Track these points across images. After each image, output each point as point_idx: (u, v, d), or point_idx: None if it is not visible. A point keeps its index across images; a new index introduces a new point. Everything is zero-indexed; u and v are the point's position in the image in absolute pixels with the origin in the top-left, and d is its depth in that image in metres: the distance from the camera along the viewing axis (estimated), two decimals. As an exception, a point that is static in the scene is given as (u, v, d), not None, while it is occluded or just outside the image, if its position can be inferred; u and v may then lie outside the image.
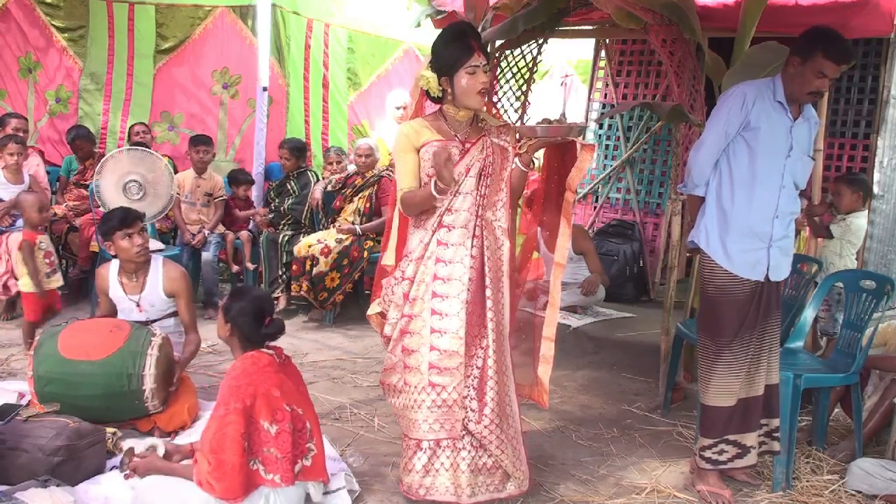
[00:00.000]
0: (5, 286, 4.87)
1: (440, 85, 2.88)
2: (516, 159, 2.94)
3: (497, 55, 4.67)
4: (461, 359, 2.84)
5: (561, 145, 3.04)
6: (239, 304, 2.82)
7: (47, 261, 4.42)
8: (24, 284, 4.37)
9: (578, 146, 2.97)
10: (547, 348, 2.97)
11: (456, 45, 2.84)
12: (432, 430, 2.86)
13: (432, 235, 2.90)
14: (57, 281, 4.49)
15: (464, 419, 2.86)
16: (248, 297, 2.85)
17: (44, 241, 4.45)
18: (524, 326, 3.20)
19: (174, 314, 3.80)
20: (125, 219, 3.60)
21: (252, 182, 6.27)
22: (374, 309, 3.14)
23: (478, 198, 2.90)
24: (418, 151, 2.90)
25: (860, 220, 4.29)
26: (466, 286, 2.86)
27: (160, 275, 3.72)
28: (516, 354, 3.06)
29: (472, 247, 2.89)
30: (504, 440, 2.90)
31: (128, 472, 2.87)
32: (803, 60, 2.98)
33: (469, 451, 2.89)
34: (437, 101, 2.96)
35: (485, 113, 3.01)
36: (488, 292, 2.90)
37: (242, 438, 2.61)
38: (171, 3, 6.77)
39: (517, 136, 2.98)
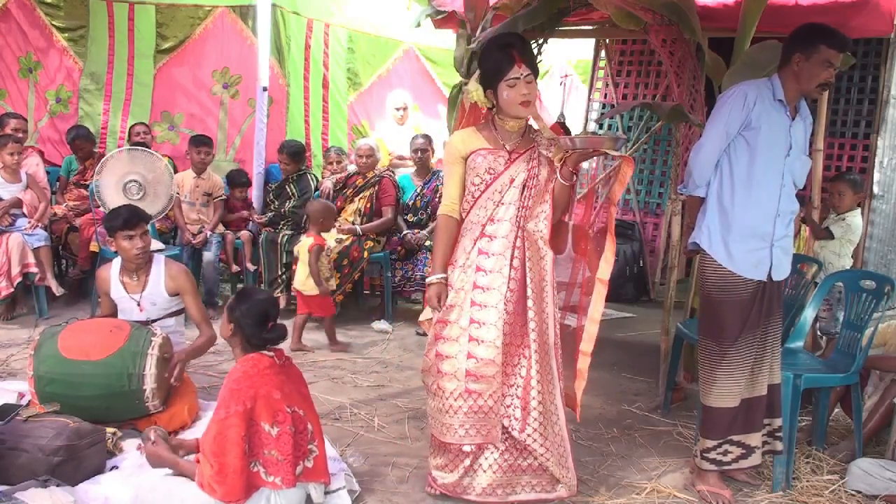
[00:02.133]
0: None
1: (486, 97, 2.92)
2: (558, 172, 2.90)
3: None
4: (497, 367, 2.86)
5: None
6: (244, 306, 2.82)
7: (329, 265, 5.07)
8: (303, 284, 4.95)
9: (617, 158, 2.94)
10: (582, 363, 2.95)
11: (497, 57, 2.85)
12: (469, 436, 2.89)
13: (474, 245, 2.93)
14: (333, 284, 5.15)
15: (507, 426, 2.88)
16: (253, 300, 2.86)
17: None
18: None
19: (175, 314, 3.80)
20: (129, 220, 3.60)
21: (248, 184, 6.24)
22: (425, 315, 3.10)
23: (520, 209, 2.91)
24: (466, 160, 2.95)
25: (858, 218, 4.32)
26: (504, 296, 2.87)
27: (162, 273, 3.72)
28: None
29: (514, 257, 2.90)
30: (549, 448, 2.91)
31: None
32: (807, 56, 3.00)
33: (512, 453, 2.92)
34: (491, 110, 2.99)
35: (542, 123, 2.97)
36: (530, 302, 2.90)
37: (243, 441, 2.61)
38: (171, 2, 6.76)
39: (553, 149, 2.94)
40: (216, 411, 2.70)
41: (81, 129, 6.20)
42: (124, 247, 3.62)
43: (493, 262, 2.89)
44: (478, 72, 2.97)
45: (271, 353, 2.84)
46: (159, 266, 3.73)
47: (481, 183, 2.92)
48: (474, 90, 2.90)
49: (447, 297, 2.93)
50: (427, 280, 3.01)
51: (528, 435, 2.87)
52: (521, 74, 2.80)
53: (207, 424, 2.72)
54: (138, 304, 3.70)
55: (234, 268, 5.89)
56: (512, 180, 2.91)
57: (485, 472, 2.92)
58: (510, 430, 2.89)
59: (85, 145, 6.08)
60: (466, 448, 2.91)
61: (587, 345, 2.93)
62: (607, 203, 3.03)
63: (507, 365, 2.90)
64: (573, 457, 3.03)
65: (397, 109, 6.84)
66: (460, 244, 2.98)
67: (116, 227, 3.60)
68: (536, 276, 2.92)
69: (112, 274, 3.72)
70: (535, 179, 2.92)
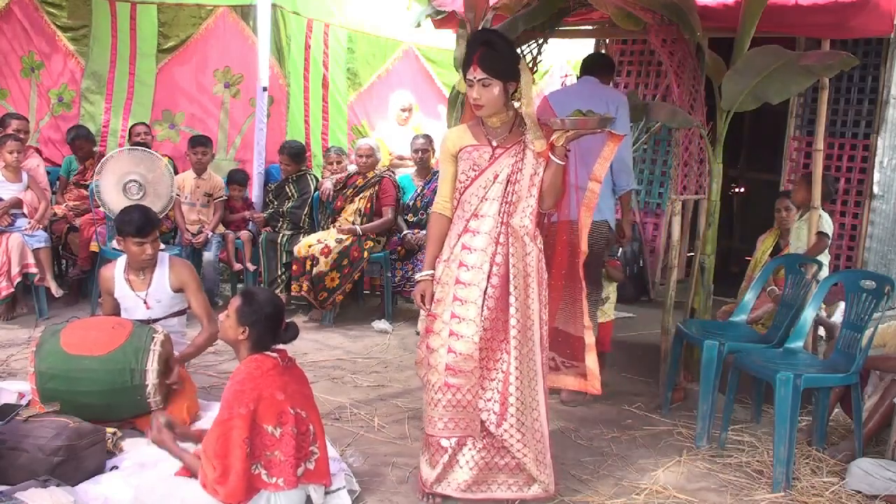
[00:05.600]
0: None
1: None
2: (550, 153, 2.87)
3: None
4: (475, 363, 2.87)
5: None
6: (258, 309, 2.80)
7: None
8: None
9: (605, 136, 3.00)
10: (587, 336, 3.10)
11: (465, 54, 2.87)
12: (447, 429, 2.90)
13: (458, 239, 2.94)
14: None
15: (485, 420, 2.89)
16: (264, 301, 2.84)
17: None
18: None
19: (178, 314, 3.80)
20: (142, 229, 3.59)
21: (245, 180, 6.21)
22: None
23: (504, 204, 2.91)
24: (456, 157, 2.97)
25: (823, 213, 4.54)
26: (484, 292, 2.87)
27: (167, 270, 3.73)
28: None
29: (497, 253, 2.90)
30: (526, 444, 2.90)
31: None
32: None
33: (490, 451, 2.93)
34: None
35: (531, 119, 2.92)
36: (512, 299, 2.90)
37: (245, 443, 2.61)
38: (173, 2, 6.77)
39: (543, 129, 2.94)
40: (220, 412, 2.69)
41: (81, 128, 6.20)
42: (133, 251, 3.62)
43: (475, 258, 2.90)
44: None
45: (275, 354, 2.83)
46: (164, 264, 3.74)
47: (466, 179, 2.94)
48: (458, 82, 2.94)
49: (433, 293, 2.95)
50: (416, 277, 3.03)
51: (505, 430, 2.87)
52: (475, 77, 2.80)
53: (211, 426, 2.72)
54: (144, 302, 3.70)
55: (236, 265, 5.87)
56: (496, 176, 2.91)
57: (461, 468, 2.92)
58: (488, 424, 2.88)
59: (85, 145, 6.08)
60: (444, 443, 2.91)
61: (585, 318, 3.09)
62: (591, 180, 3.11)
63: (488, 360, 2.91)
64: (552, 457, 3.01)
65: (403, 110, 6.82)
66: (447, 240, 2.99)
67: (128, 233, 3.60)
68: (520, 272, 2.92)
69: (116, 272, 3.72)
70: (519, 174, 2.92)
